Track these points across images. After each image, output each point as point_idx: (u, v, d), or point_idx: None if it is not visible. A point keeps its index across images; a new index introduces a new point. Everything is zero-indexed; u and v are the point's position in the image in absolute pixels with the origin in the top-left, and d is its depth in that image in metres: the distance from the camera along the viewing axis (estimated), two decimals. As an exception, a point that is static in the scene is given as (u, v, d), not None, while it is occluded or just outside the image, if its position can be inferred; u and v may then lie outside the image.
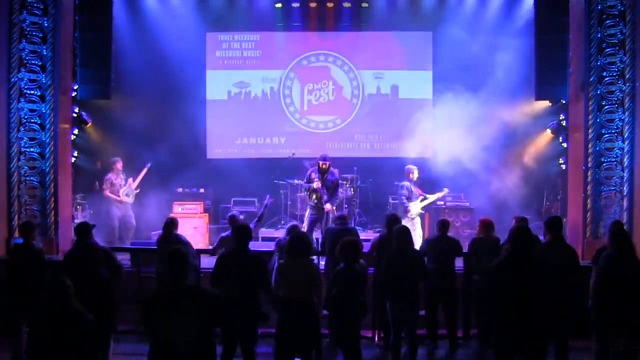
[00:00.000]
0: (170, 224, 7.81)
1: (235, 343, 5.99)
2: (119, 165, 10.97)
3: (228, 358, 5.99)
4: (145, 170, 11.16)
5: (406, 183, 10.32)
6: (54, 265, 6.99)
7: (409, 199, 10.22)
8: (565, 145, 10.53)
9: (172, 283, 4.46)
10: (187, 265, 4.54)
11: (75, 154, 10.46)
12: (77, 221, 9.91)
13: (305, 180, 10.11)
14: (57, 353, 4.28)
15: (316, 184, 9.70)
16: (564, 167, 10.73)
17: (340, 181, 11.72)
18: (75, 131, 10.43)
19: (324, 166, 9.84)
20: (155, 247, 8.02)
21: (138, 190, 11.08)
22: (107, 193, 10.81)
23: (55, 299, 4.37)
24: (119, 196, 10.79)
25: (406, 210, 10.14)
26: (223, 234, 8.09)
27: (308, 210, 10.01)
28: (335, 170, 10.25)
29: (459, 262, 7.95)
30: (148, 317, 4.42)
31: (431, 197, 10.47)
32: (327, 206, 9.73)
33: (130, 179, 11.02)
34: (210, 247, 8.88)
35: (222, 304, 4.98)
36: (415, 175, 10.36)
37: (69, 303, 4.40)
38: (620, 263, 5.92)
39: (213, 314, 4.45)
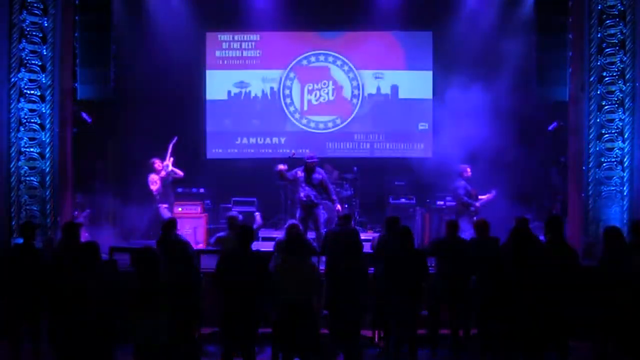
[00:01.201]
0: (170, 225, 7.79)
1: (236, 343, 5.98)
2: (157, 165, 10.89)
3: (228, 358, 5.99)
4: (171, 147, 11.04)
5: (462, 182, 10.34)
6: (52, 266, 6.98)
7: (469, 196, 10.28)
8: (565, 145, 10.52)
9: (142, 282, 4.41)
10: (158, 264, 4.48)
11: (75, 154, 10.44)
12: (77, 221, 9.93)
13: (291, 173, 9.90)
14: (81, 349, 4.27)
15: (281, 167, 9.73)
16: (564, 167, 10.72)
17: (339, 180, 11.76)
18: (75, 131, 10.42)
19: (310, 165, 9.69)
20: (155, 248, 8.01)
21: (172, 159, 10.99)
22: (156, 189, 10.77)
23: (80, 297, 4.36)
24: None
25: (468, 205, 10.16)
26: (219, 234, 8.09)
27: (298, 210, 9.87)
28: (336, 171, 10.25)
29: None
30: (127, 316, 4.39)
31: (482, 198, 10.44)
32: (338, 207, 9.74)
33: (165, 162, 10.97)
34: (210, 249, 8.87)
35: (195, 298, 4.93)
36: (469, 173, 10.38)
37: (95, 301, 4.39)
38: (615, 265, 5.95)
39: (184, 309, 4.41)
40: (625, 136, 9.18)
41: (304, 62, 12.96)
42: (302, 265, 5.98)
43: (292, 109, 12.95)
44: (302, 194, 9.65)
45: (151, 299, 4.31)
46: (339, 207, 9.71)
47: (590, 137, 9.32)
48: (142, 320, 4.27)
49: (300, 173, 9.74)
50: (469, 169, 10.39)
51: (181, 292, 5.21)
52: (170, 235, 7.66)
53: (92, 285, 4.46)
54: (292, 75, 12.94)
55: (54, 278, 5.08)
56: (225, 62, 12.91)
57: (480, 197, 10.41)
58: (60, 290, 4.49)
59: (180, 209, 11.37)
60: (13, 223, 9.08)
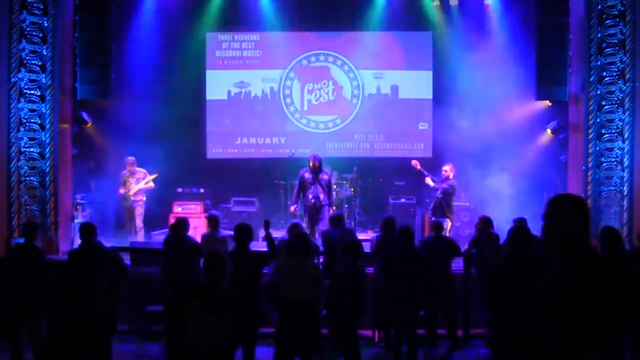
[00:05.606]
0: (183, 225, 7.65)
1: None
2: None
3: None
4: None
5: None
6: (54, 266, 6.99)
7: None
8: (565, 145, 10.53)
9: (210, 284, 4.33)
10: (226, 268, 4.43)
11: (75, 154, 10.45)
12: (77, 221, 9.94)
13: (298, 181, 9.96)
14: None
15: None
16: (564, 167, 10.73)
17: (339, 181, 11.76)
18: (75, 131, 10.43)
19: (315, 165, 9.68)
20: (155, 248, 8.00)
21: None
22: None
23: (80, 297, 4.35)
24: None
25: None
26: (204, 233, 8.04)
27: (305, 212, 9.92)
28: (335, 172, 10.28)
29: (459, 263, 7.97)
30: (177, 313, 4.23)
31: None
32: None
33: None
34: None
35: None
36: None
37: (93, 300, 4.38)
38: (612, 265, 5.94)
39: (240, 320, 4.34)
40: (625, 136, 9.19)
41: (304, 62, 12.95)
42: (304, 265, 5.98)
43: (292, 109, 12.94)
44: (309, 196, 9.70)
45: (217, 301, 4.22)
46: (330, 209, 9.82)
47: (590, 137, 9.33)
48: (204, 321, 4.16)
49: (307, 175, 9.74)
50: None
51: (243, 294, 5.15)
52: (182, 236, 7.56)
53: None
54: (292, 75, 12.93)
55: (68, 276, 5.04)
56: (225, 62, 12.89)
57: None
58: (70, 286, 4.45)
59: (180, 209, 11.38)
60: (13, 223, 9.09)
